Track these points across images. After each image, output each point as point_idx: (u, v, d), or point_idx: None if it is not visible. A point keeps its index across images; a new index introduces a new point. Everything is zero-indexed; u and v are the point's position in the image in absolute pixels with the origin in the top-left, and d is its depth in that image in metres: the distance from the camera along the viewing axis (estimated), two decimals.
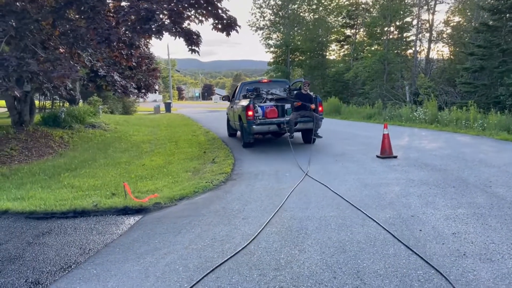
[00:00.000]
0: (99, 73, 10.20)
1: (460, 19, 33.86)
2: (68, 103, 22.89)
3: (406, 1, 31.37)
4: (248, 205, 6.20)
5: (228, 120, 15.76)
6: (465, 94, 21.73)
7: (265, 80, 14.85)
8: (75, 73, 8.85)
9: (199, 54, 9.74)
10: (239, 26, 9.40)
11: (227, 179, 8.22)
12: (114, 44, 8.15)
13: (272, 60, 42.18)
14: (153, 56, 21.34)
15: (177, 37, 9.12)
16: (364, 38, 37.78)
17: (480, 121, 14.64)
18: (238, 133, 14.85)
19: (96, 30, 7.68)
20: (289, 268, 3.95)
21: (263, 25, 41.72)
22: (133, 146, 14.29)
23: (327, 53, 41.96)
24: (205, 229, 5.18)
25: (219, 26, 9.36)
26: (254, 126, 11.60)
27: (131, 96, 11.84)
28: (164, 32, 8.52)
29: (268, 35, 41.57)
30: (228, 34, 9.59)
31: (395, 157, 9.85)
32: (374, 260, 4.05)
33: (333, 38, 41.15)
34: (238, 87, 14.45)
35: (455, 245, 4.36)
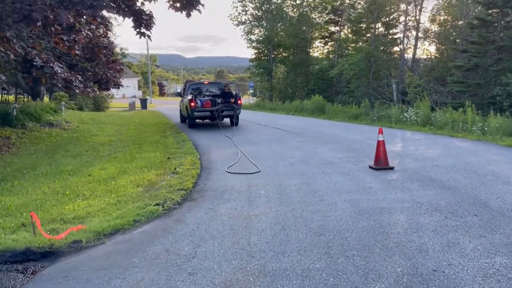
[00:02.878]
0: (34, 63, 8.34)
1: (446, 16, 32.58)
2: (31, 98, 20.81)
3: None
4: (202, 245, 4.43)
5: (180, 110, 20.62)
6: (456, 93, 20.28)
7: (206, 82, 20.59)
8: None
9: (150, 38, 7.91)
10: (202, 5, 7.56)
11: (185, 198, 6.43)
12: (40, 24, 6.31)
13: (254, 57, 40.42)
14: (113, 47, 19.17)
15: (122, 16, 7.29)
16: (349, 35, 36.30)
17: (479, 124, 13.10)
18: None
19: (14, 5, 5.84)
20: None
21: (245, 19, 39.94)
22: (89, 149, 12.42)
23: (311, 50, 40.39)
24: None
25: (177, 5, 7.50)
26: (195, 113, 16.89)
27: (77, 91, 10.10)
28: (101, 9, 6.66)
29: (250, 30, 39.77)
30: (188, 15, 7.74)
31: (392, 168, 8.19)
32: None
33: (317, 34, 39.56)
34: (187, 86, 19.41)
35: None
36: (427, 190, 6.55)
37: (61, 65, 9.50)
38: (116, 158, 10.60)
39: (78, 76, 9.94)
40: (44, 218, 5.42)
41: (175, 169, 8.64)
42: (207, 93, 18.51)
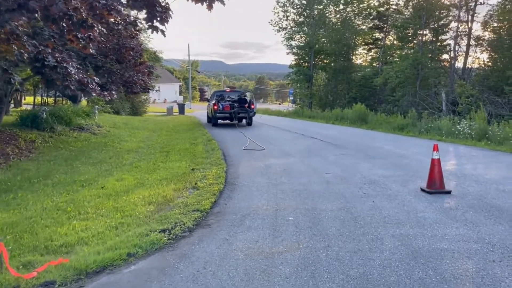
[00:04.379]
0: (46, 62, 7.63)
1: (500, 24, 30.20)
2: (70, 101, 20.66)
3: (442, 1, 28.06)
4: None
5: (207, 113, 24.28)
6: None
7: (228, 90, 25.04)
8: None
9: (164, 34, 6.94)
10: None
11: (198, 223, 5.41)
12: (38, 14, 5.54)
13: (294, 63, 39.26)
14: (142, 49, 18.46)
15: (132, 9, 6.41)
16: (394, 41, 34.52)
17: None
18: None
19: None
20: None
21: (286, 24, 38.89)
22: (113, 156, 11.74)
23: (354, 57, 38.80)
24: None
25: None
26: (217, 114, 21.09)
27: (93, 94, 9.42)
28: None
29: (290, 36, 38.67)
30: (210, 7, 6.75)
31: (448, 192, 6.85)
32: None
33: (360, 41, 37.94)
34: (211, 93, 25.70)
35: None
36: (497, 224, 5.22)
37: (77, 65, 8.78)
38: (138, 168, 9.82)
39: (94, 78, 9.20)
40: (27, 244, 4.54)
41: (196, 183, 7.68)
42: (228, 99, 22.25)
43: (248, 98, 22.45)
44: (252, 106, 21.91)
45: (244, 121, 22.05)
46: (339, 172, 8.79)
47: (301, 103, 41.52)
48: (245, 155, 11.43)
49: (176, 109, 39.17)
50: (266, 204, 6.29)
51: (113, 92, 12.26)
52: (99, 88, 9.89)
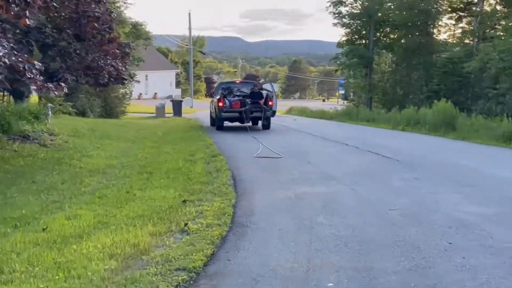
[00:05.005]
0: None
1: None
2: (13, 97, 20.81)
3: None
4: None
5: (210, 112, 25.85)
6: None
7: (238, 81, 27.96)
8: None
9: None
10: None
11: None
12: None
13: (345, 39, 39.02)
14: (112, 18, 17.92)
15: None
16: (497, 6, 34.04)
17: None
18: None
19: None
20: None
21: None
22: (69, 178, 11.79)
23: (435, 30, 38.34)
24: None
25: None
26: (223, 113, 22.23)
27: (32, 86, 9.23)
28: None
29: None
30: None
31: None
32: None
33: (445, 6, 37.48)
34: (216, 86, 27.63)
35: None
36: None
37: (11, 44, 8.60)
38: (103, 198, 9.74)
39: (36, 63, 8.99)
40: None
41: (186, 224, 7.46)
42: (238, 93, 23.80)
43: (264, 92, 23.68)
44: (271, 103, 22.85)
45: (259, 123, 23.20)
46: (410, 207, 8.58)
47: (356, 100, 41.31)
48: (265, 179, 11.33)
49: (170, 108, 39.33)
50: (293, 259, 6.02)
51: (62, 84, 12.05)
52: (42, 78, 9.76)
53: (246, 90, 24.04)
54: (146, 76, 71.37)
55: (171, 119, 34.10)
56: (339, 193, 9.67)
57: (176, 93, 77.33)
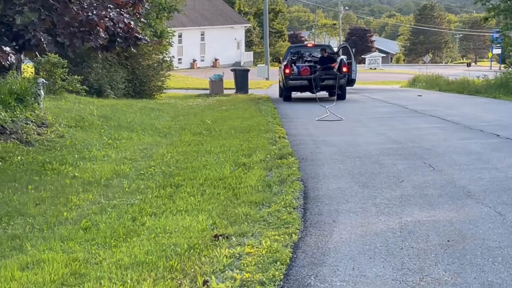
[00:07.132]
0: None
1: None
2: None
3: None
4: None
5: (279, 81, 25.00)
6: None
7: (310, 45, 27.23)
8: None
9: None
10: None
11: None
12: None
13: None
14: None
15: None
16: None
17: None
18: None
19: None
20: None
21: None
22: (52, 196, 9.18)
23: None
24: None
25: None
26: (290, 81, 21.97)
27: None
28: None
29: None
30: None
31: None
32: None
33: None
34: (286, 50, 27.13)
35: None
36: None
37: None
38: (90, 231, 7.23)
39: None
40: None
41: (205, 282, 5.06)
42: (309, 58, 23.44)
43: (336, 56, 23.39)
44: (345, 69, 21.92)
45: (334, 93, 21.91)
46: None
47: None
48: (356, 195, 8.12)
49: (231, 81, 31.68)
50: None
51: (7, 50, 8.58)
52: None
53: (318, 54, 23.40)
54: (203, 33, 60.47)
55: (232, 97, 27.88)
56: (476, 223, 6.53)
57: (247, 58, 65.84)
